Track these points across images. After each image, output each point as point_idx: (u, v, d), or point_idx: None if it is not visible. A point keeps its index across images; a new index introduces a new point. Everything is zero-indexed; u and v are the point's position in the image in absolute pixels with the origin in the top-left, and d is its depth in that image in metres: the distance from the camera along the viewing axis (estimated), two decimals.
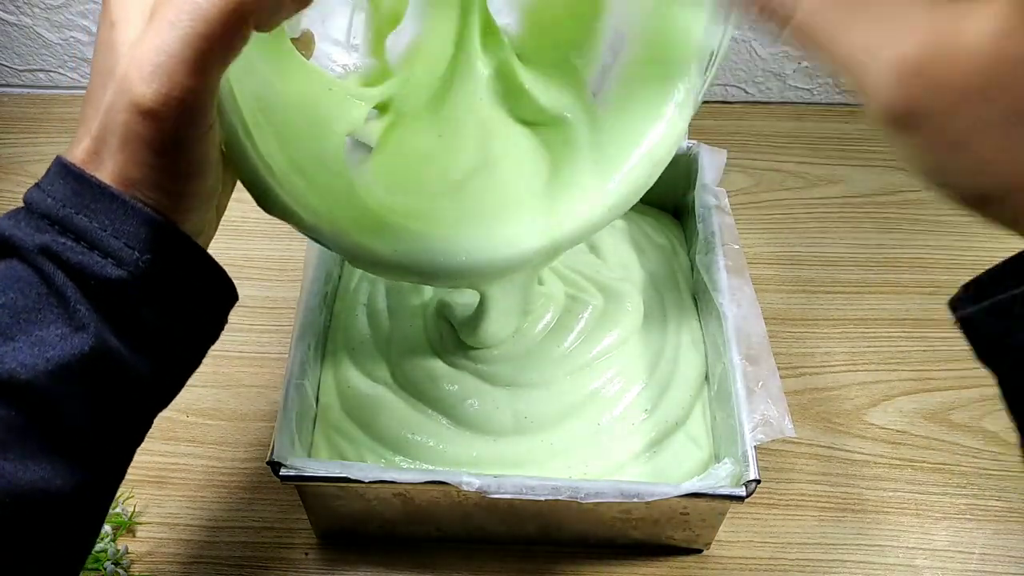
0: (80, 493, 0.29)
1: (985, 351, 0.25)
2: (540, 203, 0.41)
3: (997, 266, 0.24)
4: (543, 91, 0.43)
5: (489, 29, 0.42)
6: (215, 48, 0.27)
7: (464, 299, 0.52)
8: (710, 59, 0.40)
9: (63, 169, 0.29)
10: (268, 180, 0.33)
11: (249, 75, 0.32)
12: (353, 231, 0.37)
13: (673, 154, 0.42)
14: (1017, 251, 0.24)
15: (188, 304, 0.31)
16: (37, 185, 0.29)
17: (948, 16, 0.21)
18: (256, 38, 0.28)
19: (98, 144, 0.28)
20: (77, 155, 0.29)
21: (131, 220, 0.28)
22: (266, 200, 0.34)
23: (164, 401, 0.32)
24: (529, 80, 0.43)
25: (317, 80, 0.39)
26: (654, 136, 0.41)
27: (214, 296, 0.32)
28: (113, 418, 0.29)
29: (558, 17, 0.43)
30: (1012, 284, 0.23)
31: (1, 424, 0.26)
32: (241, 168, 0.33)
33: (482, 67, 0.43)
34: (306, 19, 0.40)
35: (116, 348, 0.28)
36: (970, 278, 0.25)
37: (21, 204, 0.29)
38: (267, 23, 0.28)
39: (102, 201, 0.28)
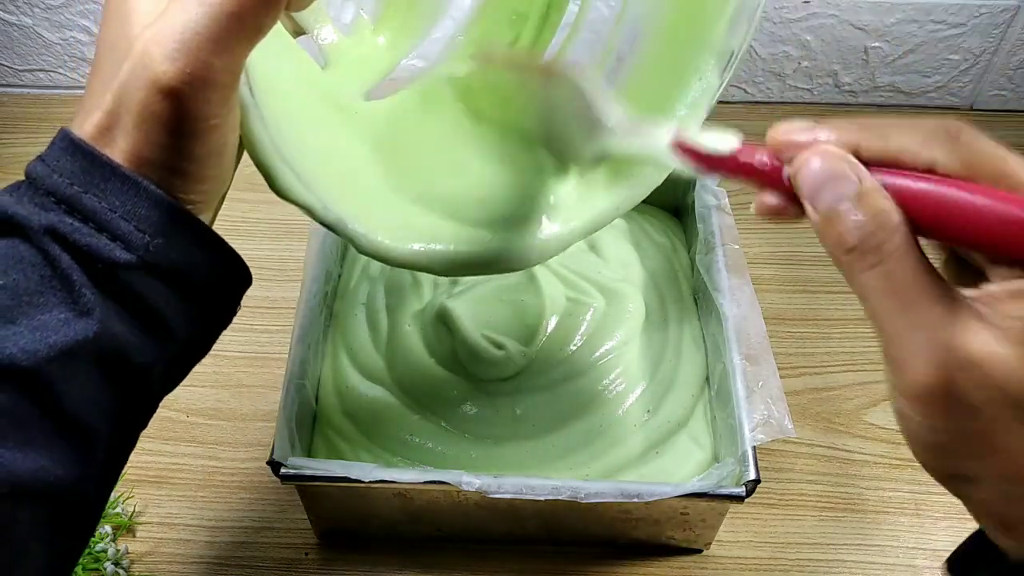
0: (81, 482, 0.28)
1: None
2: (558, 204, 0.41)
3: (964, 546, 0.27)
4: None
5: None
6: (245, 27, 0.26)
7: (464, 305, 0.51)
8: (729, 59, 0.39)
9: (71, 144, 0.27)
10: (279, 164, 0.32)
11: (262, 54, 0.31)
12: (363, 220, 0.36)
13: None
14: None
15: (200, 288, 0.30)
16: (41, 159, 0.28)
17: (1004, 320, 0.23)
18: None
19: (111, 120, 0.27)
20: (86, 130, 0.27)
21: (142, 202, 0.27)
22: (277, 184, 0.33)
23: (170, 386, 0.31)
24: None
25: (315, 70, 0.39)
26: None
27: (227, 279, 0.31)
28: (117, 405, 0.29)
29: None
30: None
31: (0, 411, 0.26)
32: (255, 151, 0.32)
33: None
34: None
35: (122, 334, 0.28)
36: None
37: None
38: (299, 3, 0.27)
39: (112, 181, 0.27)
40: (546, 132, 0.38)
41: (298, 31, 0.39)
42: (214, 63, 0.26)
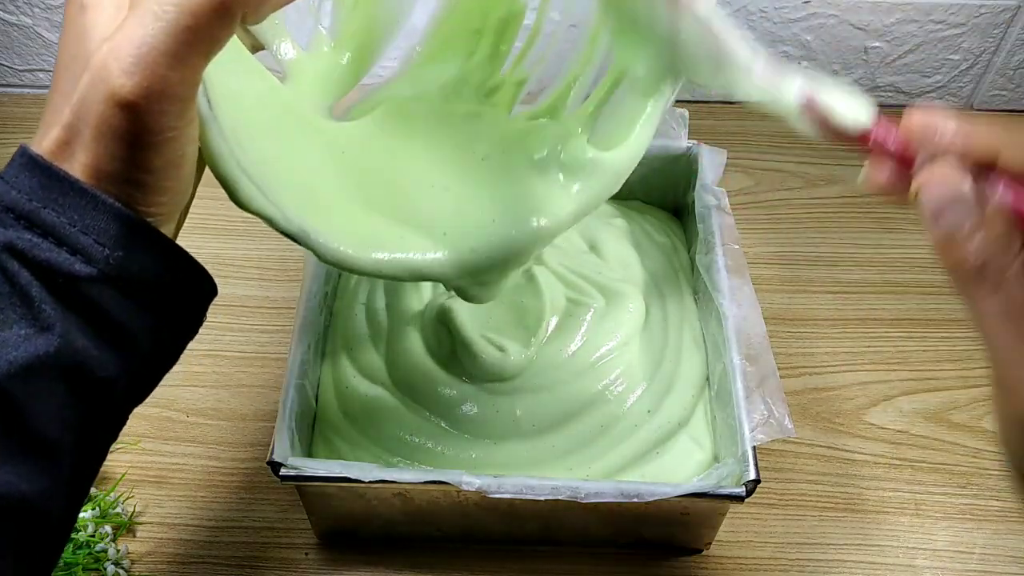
0: (48, 497, 0.28)
1: None
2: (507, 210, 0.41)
3: None
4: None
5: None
6: (201, 41, 0.26)
7: (464, 305, 0.51)
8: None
9: (30, 161, 0.28)
10: (239, 176, 0.32)
11: (221, 68, 0.31)
12: (325, 230, 0.37)
13: (635, 165, 0.41)
14: None
15: (162, 300, 0.30)
16: (0, 176, 0.28)
17: None
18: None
19: (69, 135, 0.27)
20: (45, 146, 0.28)
21: (101, 215, 0.27)
22: (238, 195, 0.33)
23: (138, 399, 0.32)
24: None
25: (271, 81, 0.39)
26: (622, 148, 0.41)
27: (190, 290, 0.31)
28: (82, 419, 0.29)
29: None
30: None
31: None
32: (214, 163, 0.32)
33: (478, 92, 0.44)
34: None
35: (84, 348, 0.28)
36: None
37: None
38: (254, 16, 0.28)
39: (71, 196, 0.27)
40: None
41: (257, 46, 0.39)
42: (171, 76, 0.26)
